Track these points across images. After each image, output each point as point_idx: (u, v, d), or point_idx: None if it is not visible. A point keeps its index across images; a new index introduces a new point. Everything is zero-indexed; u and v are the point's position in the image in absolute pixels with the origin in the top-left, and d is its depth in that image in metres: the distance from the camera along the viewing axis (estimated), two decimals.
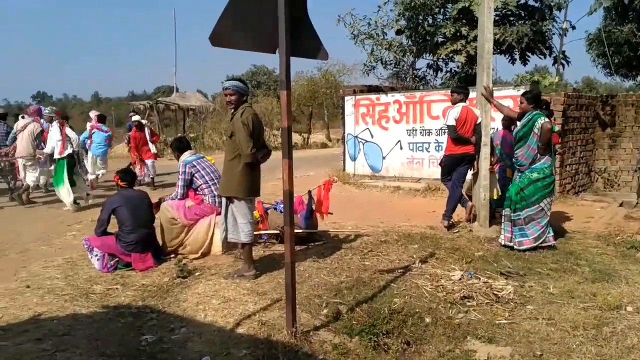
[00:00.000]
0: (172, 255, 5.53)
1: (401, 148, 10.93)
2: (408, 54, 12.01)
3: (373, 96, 11.46)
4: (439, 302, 4.17)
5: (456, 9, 11.11)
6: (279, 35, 3.27)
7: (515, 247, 5.65)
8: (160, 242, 5.57)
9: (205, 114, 25.58)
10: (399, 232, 6.43)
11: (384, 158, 11.25)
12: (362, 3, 12.15)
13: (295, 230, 5.58)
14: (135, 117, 11.56)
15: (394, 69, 12.51)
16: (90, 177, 10.90)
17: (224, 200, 4.76)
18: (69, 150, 8.55)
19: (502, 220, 5.90)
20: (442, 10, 12.09)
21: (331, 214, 6.08)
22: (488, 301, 4.20)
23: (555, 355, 3.31)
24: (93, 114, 12.33)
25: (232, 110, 4.65)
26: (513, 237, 5.70)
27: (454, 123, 6.42)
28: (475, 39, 9.83)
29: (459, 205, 6.82)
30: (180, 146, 5.76)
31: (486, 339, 3.54)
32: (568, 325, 3.71)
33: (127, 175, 5.53)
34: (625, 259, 5.36)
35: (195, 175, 5.52)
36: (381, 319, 3.73)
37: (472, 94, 7.01)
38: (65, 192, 8.52)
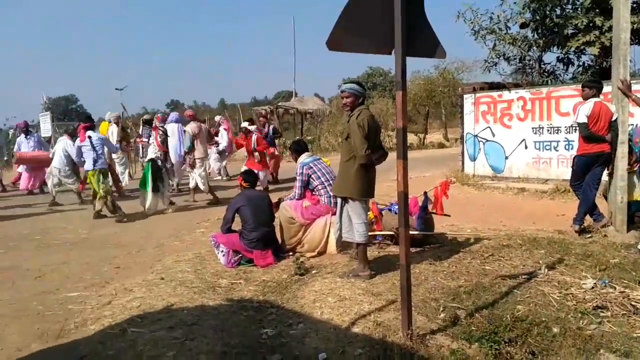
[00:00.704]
0: (291, 253, 5.74)
1: (526, 147, 10.33)
2: (534, 48, 11.26)
3: (494, 93, 10.96)
4: (568, 311, 3.85)
5: None
6: (395, 36, 3.24)
7: None
8: (280, 240, 5.81)
9: (322, 117, 26.18)
10: (523, 236, 6.06)
11: (506, 158, 10.70)
12: None
13: (411, 232, 5.53)
14: (244, 124, 12.18)
15: (518, 65, 11.82)
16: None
17: (339, 200, 4.83)
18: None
19: None
20: (571, 0, 11.21)
21: (448, 215, 5.92)
22: (625, 312, 3.80)
23: None
24: (220, 118, 13.14)
25: (349, 112, 4.70)
26: None
27: (585, 120, 5.91)
28: (610, 29, 8.97)
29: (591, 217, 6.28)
30: (298, 149, 5.98)
31: (622, 353, 3.21)
32: None
33: (250, 177, 5.87)
34: None
35: (312, 176, 5.68)
36: (503, 326, 3.55)
37: (607, 88, 6.42)
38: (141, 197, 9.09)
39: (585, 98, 6.14)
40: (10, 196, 12.44)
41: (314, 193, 5.71)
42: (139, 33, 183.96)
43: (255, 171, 11.25)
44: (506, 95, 10.65)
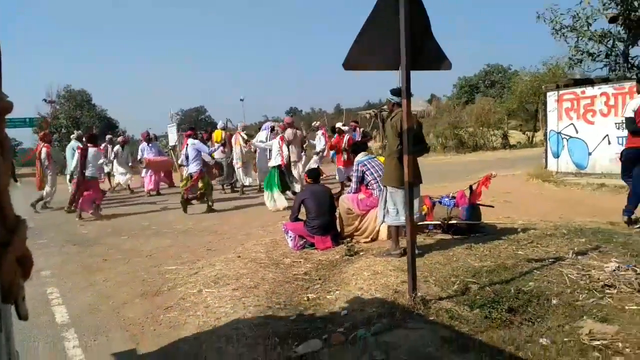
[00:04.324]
0: (348, 239, 6.57)
1: (609, 143, 10.23)
2: (617, 43, 10.97)
3: (578, 90, 10.92)
4: (576, 288, 4.25)
5: None
6: (401, 55, 3.93)
7: None
8: (339, 228, 6.69)
9: (424, 118, 26.52)
10: (570, 227, 6.36)
11: (589, 154, 10.64)
12: None
13: (456, 222, 6.14)
14: (338, 124, 13.22)
15: (604, 61, 11.54)
16: None
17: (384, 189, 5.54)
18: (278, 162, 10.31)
19: None
20: None
21: (492, 206, 6.38)
22: (630, 290, 4.13)
23: None
24: (318, 124, 14.32)
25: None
26: None
27: (631, 115, 6.10)
28: None
29: None
30: (356, 149, 6.82)
31: (599, 318, 3.62)
32: None
33: (313, 173, 6.84)
34: None
35: (366, 172, 6.49)
36: (507, 297, 4.09)
37: None
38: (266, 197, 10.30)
39: (639, 92, 6.29)
40: (137, 196, 14.62)
41: (368, 187, 6.51)
42: (260, 45, 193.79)
43: (341, 167, 12.37)
44: (589, 91, 10.58)
